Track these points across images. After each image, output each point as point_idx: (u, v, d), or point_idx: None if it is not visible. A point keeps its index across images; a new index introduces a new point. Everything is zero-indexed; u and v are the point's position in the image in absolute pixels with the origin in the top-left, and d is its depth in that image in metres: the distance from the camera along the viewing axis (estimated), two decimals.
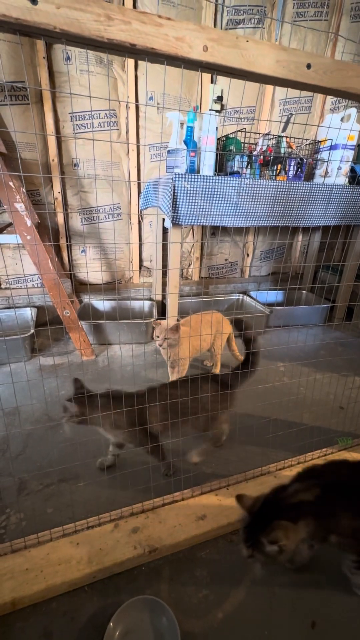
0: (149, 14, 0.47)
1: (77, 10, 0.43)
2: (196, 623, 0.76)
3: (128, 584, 0.83)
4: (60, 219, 2.12)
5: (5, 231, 1.75)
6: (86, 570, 0.81)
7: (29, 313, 2.10)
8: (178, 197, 1.63)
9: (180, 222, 1.67)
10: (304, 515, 0.70)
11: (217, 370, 1.73)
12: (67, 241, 2.19)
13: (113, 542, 0.87)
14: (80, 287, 2.31)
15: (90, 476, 1.11)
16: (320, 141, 2.13)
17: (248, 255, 2.68)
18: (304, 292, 2.70)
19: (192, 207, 1.67)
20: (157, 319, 1.46)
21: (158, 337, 1.40)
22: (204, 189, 1.66)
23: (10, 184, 1.52)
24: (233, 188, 1.71)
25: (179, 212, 1.65)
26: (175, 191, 1.61)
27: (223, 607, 0.79)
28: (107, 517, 0.93)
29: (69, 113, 1.95)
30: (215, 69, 0.55)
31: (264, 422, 1.36)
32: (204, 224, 1.74)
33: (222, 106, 2.19)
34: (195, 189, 1.64)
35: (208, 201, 1.69)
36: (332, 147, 2.03)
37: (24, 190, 1.87)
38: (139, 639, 0.71)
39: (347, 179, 2.08)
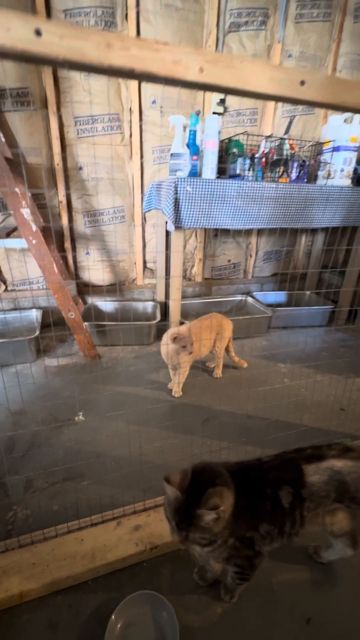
0: (146, 40, 0.50)
1: (79, 40, 0.46)
2: (195, 618, 0.79)
3: (130, 579, 0.86)
4: (64, 222, 2.16)
5: (11, 235, 1.79)
6: (90, 566, 0.84)
7: (34, 315, 2.14)
8: (180, 201, 1.65)
9: (182, 225, 1.70)
10: (233, 488, 0.66)
11: (219, 372, 1.75)
12: (71, 244, 2.22)
13: (116, 539, 0.90)
14: (84, 288, 2.35)
15: (94, 475, 1.15)
16: (323, 143, 2.13)
17: (251, 256, 2.69)
18: (307, 293, 2.71)
19: (195, 210, 1.69)
20: (178, 333, 1.44)
21: (185, 347, 1.41)
22: (206, 192, 1.68)
23: (16, 189, 1.55)
24: (235, 191, 1.72)
25: (182, 215, 1.68)
26: (178, 194, 1.63)
27: (222, 602, 0.82)
28: (110, 515, 0.97)
29: (73, 118, 1.98)
30: (211, 89, 0.57)
31: (264, 423, 1.38)
32: (207, 226, 1.76)
33: (225, 109, 2.20)
34: (197, 192, 1.66)
35: (210, 204, 1.71)
36: (335, 149, 2.03)
37: (29, 194, 1.91)
38: (140, 632, 0.75)
39: (351, 181, 2.08)
